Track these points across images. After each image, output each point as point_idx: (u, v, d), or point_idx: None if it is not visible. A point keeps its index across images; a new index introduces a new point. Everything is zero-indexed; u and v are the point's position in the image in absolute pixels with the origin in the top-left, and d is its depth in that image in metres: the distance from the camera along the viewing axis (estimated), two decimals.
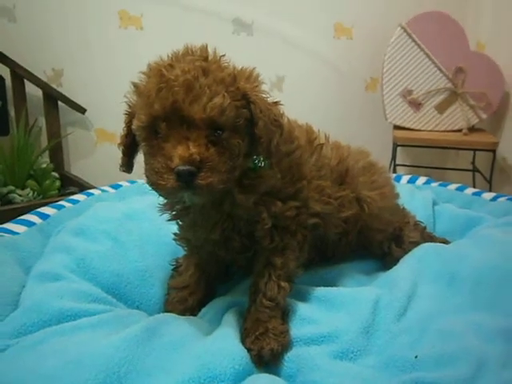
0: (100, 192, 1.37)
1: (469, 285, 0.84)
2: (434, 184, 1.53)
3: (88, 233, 1.02)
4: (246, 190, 0.75)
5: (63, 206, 1.22)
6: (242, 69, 0.74)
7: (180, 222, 0.85)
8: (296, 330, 0.78)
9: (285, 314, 0.80)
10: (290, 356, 0.73)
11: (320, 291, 0.87)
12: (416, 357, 0.69)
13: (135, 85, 0.72)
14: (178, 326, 0.76)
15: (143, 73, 0.72)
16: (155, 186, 0.68)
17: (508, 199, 1.32)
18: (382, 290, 0.87)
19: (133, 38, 2.13)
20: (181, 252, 1.03)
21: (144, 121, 0.68)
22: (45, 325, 0.75)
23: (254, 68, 0.75)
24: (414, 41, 1.88)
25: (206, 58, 0.71)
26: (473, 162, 2.12)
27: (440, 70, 1.90)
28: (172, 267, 0.96)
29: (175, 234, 0.89)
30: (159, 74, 0.67)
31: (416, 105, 1.95)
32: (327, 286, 0.91)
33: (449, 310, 0.80)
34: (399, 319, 0.80)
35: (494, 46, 2.00)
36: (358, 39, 2.24)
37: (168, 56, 0.72)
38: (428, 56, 1.89)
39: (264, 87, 0.75)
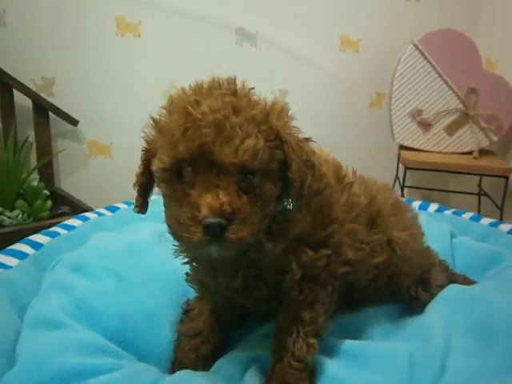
0: (96, 216, 1.29)
1: (502, 339, 0.77)
2: (448, 212, 1.48)
3: (88, 269, 0.94)
4: (274, 236, 0.68)
5: (57, 233, 1.12)
6: (274, 103, 0.66)
7: (195, 264, 0.77)
8: None
9: (313, 374, 0.73)
10: None
11: (348, 345, 0.80)
12: None
13: (155, 120, 0.64)
14: None
15: (164, 108, 0.64)
16: (179, 238, 0.61)
17: None
18: (415, 344, 0.79)
19: (130, 45, 2.02)
20: (190, 291, 0.95)
21: (167, 163, 0.60)
22: None
23: (285, 103, 0.68)
24: (426, 59, 1.82)
25: (234, 93, 0.63)
26: (479, 185, 2.07)
27: (452, 90, 1.84)
28: (182, 310, 0.88)
29: (187, 274, 0.82)
30: (184, 112, 0.59)
31: (425, 125, 1.88)
32: (353, 335, 0.84)
33: (487, 370, 0.73)
34: (437, 381, 0.72)
35: (506, 65, 1.94)
36: (365, 53, 2.16)
37: (191, 87, 0.64)
38: (440, 75, 1.83)
39: (294, 123, 0.67)
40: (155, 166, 0.62)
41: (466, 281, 1.04)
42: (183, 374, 0.74)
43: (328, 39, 2.15)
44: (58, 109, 1.89)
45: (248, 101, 0.62)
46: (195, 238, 0.57)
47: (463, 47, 1.83)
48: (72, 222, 1.20)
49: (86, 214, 1.28)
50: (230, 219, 0.57)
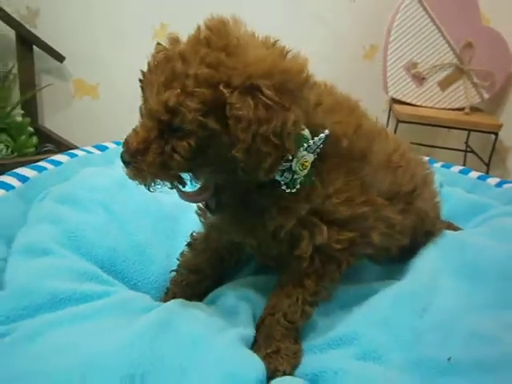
0: (84, 153, 1.27)
1: (492, 279, 0.79)
2: (437, 165, 1.51)
3: (77, 201, 0.92)
4: (284, 211, 0.66)
5: (44, 168, 1.10)
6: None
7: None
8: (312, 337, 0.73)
9: (299, 332, 0.73)
10: (309, 365, 0.68)
11: None
12: (449, 359, 0.63)
13: None
14: (192, 318, 0.68)
15: None
16: None
17: None
18: (401, 284, 0.81)
19: None
20: (183, 226, 0.94)
21: None
22: (37, 309, 0.66)
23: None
24: (424, 9, 1.78)
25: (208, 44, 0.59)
26: (466, 142, 2.09)
27: (448, 43, 1.82)
28: (186, 242, 0.86)
29: (200, 208, 0.80)
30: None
31: (419, 79, 1.87)
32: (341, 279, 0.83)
33: (475, 306, 0.75)
34: (422, 315, 0.74)
35: (500, 22, 1.92)
36: (361, 2, 2.10)
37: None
38: (438, 27, 1.80)
39: None
40: None
41: (451, 227, 1.06)
42: (178, 304, 0.73)
43: None
44: (44, 43, 1.80)
45: (215, 58, 0.57)
46: None
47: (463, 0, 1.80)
48: (59, 157, 1.17)
49: (73, 150, 1.25)
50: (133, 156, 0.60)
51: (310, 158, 0.64)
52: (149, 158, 0.60)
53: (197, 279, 0.81)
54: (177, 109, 0.56)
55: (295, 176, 0.64)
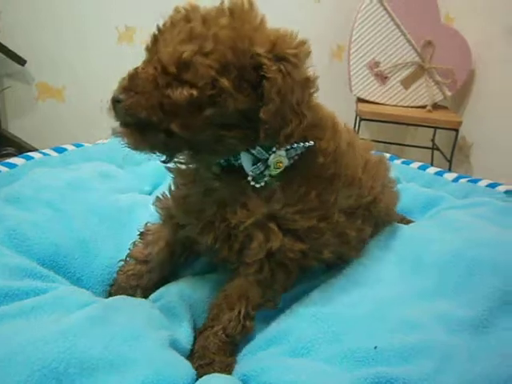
0: (41, 156, 1.26)
1: (432, 272, 0.81)
2: (398, 161, 1.54)
3: (24, 201, 0.91)
4: (243, 208, 0.67)
5: None
6: (287, 36, 0.65)
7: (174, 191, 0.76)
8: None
9: (236, 346, 0.72)
10: (240, 368, 0.68)
11: None
12: (375, 347, 0.63)
13: None
14: (129, 316, 0.68)
15: None
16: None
17: (469, 181, 1.35)
18: (339, 276, 0.82)
19: None
20: (131, 223, 0.94)
21: None
22: None
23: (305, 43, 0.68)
24: (385, 9, 1.80)
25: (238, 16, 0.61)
26: (433, 140, 2.12)
27: (409, 42, 1.84)
28: (138, 232, 0.86)
29: (158, 199, 0.80)
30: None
31: (382, 78, 1.89)
32: None
33: (411, 296, 0.76)
34: (356, 306, 0.74)
35: (463, 22, 1.96)
36: (326, 2, 2.13)
37: None
38: (398, 26, 1.82)
39: None
40: None
41: (404, 220, 1.08)
42: (117, 300, 0.73)
43: None
44: (5, 46, 1.78)
45: (240, 25, 0.59)
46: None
47: None
48: (15, 160, 1.15)
49: (30, 153, 1.23)
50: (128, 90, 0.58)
51: (286, 161, 0.66)
52: (145, 93, 0.57)
53: (143, 270, 0.80)
54: (190, 63, 0.57)
55: (265, 171, 0.65)
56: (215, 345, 0.69)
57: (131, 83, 0.58)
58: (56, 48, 1.92)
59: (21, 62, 1.83)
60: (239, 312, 0.70)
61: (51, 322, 0.62)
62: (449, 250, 0.83)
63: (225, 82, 0.57)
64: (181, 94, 0.57)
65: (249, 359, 0.69)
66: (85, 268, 0.82)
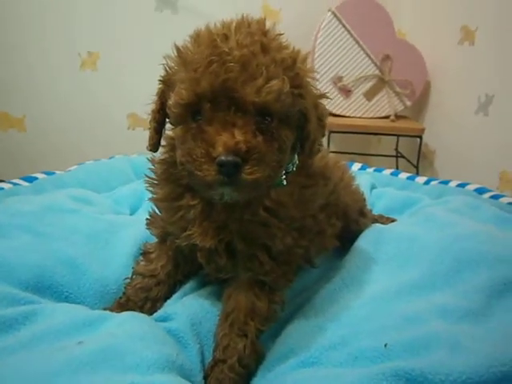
0: (11, 186, 1.22)
1: (422, 266, 0.83)
2: (370, 169, 1.60)
3: None
4: (269, 212, 0.67)
5: None
6: (299, 51, 0.66)
7: (164, 214, 0.74)
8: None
9: (250, 376, 0.69)
10: None
11: None
12: (386, 345, 0.64)
13: (178, 50, 0.62)
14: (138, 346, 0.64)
15: (191, 37, 0.62)
16: (193, 176, 0.58)
17: (440, 182, 1.42)
18: (328, 276, 0.84)
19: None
20: (117, 240, 0.91)
21: (185, 98, 0.58)
22: None
23: (308, 52, 0.69)
24: (343, 26, 1.88)
25: (265, 33, 0.62)
26: (396, 148, 2.20)
27: (369, 56, 1.93)
28: (141, 251, 0.84)
29: (148, 219, 0.79)
30: (212, 45, 0.58)
31: (346, 91, 1.96)
32: None
33: (406, 292, 0.77)
34: (354, 307, 0.75)
35: (415, 36, 2.07)
36: (287, 22, 2.19)
37: (217, 24, 0.63)
38: (357, 42, 1.90)
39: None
40: (172, 100, 0.60)
41: (382, 219, 1.14)
42: (126, 315, 0.69)
43: (249, 8, 2.14)
44: None
45: (278, 43, 0.62)
46: (209, 177, 0.55)
47: (378, 15, 1.92)
48: None
49: None
50: (244, 159, 0.55)
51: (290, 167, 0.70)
52: (263, 150, 0.57)
53: (151, 283, 0.79)
54: (280, 96, 0.58)
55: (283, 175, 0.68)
56: (232, 380, 0.65)
57: (243, 147, 0.57)
58: (15, 77, 1.87)
59: None
60: (249, 335, 0.68)
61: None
62: (434, 244, 0.86)
63: (297, 102, 0.63)
64: (285, 134, 0.63)
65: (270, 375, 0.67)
66: (73, 285, 0.80)
